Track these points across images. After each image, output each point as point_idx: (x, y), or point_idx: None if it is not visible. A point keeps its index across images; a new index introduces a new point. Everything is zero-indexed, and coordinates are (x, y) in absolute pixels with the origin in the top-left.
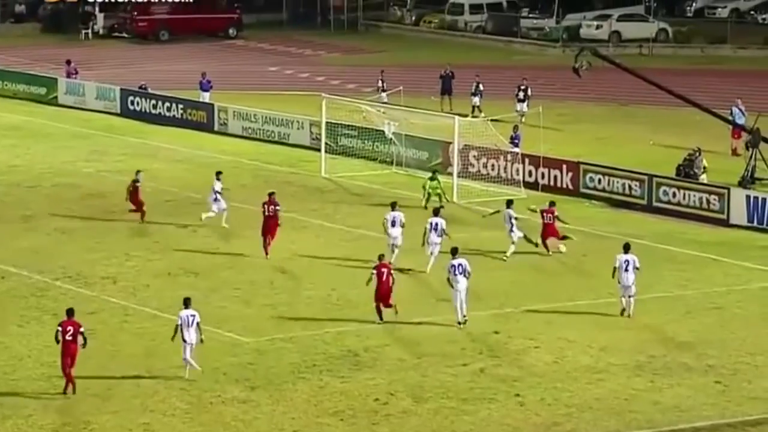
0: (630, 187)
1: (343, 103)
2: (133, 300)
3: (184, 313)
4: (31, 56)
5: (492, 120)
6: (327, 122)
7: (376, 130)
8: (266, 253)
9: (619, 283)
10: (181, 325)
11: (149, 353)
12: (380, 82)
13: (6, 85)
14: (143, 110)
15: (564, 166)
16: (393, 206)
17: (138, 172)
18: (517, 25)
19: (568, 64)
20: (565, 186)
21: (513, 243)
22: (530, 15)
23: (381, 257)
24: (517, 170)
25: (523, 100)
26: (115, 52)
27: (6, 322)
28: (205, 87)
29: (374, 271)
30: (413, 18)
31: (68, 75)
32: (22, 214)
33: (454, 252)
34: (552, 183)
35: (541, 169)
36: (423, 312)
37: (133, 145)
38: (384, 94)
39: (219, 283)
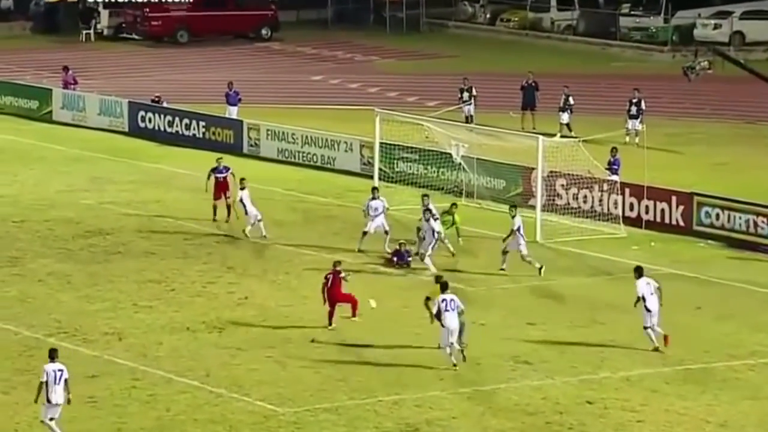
0: (755, 224)
1: (401, 119)
2: (143, 361)
3: (51, 367)
4: (20, 62)
5: (584, 141)
6: (381, 143)
7: (442, 153)
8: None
9: (648, 311)
10: (46, 381)
11: (162, 427)
12: (463, 92)
13: None
14: (156, 128)
15: (674, 198)
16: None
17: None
18: (616, 25)
19: (677, 72)
20: (674, 222)
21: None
22: (632, 12)
23: (336, 264)
24: (616, 203)
25: (636, 116)
26: (122, 57)
27: None
28: (232, 100)
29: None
30: (488, 15)
31: (65, 85)
32: (8, 255)
33: (444, 287)
34: (659, 218)
35: (645, 202)
36: (498, 376)
37: (143, 170)
38: (469, 108)
39: (248, 340)
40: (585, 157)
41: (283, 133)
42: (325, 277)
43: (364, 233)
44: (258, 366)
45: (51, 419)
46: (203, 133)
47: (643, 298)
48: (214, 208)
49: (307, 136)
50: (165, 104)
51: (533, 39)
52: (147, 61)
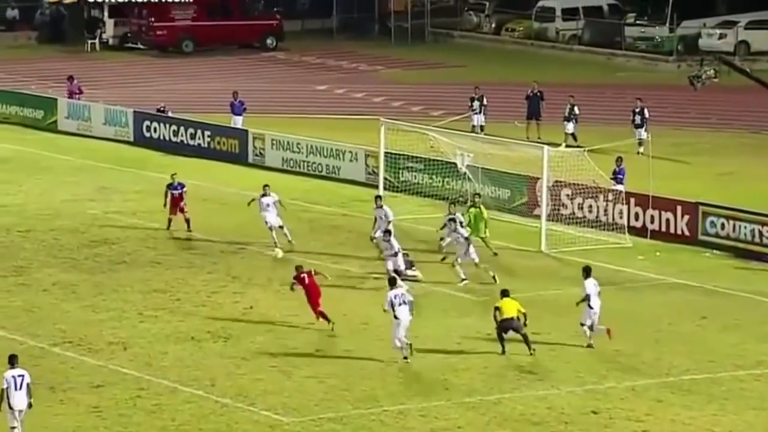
0: (761, 234)
1: (405, 129)
2: (149, 370)
3: (11, 373)
4: (25, 72)
5: (589, 150)
6: (386, 153)
7: (447, 163)
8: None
9: (591, 308)
10: (7, 388)
11: None
12: (474, 101)
13: None
14: (161, 138)
15: (679, 208)
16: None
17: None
18: (621, 35)
19: (683, 82)
20: (680, 232)
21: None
22: (637, 22)
23: (298, 268)
24: (621, 213)
25: (641, 125)
26: (127, 66)
27: None
28: (237, 110)
29: (295, 281)
30: (493, 25)
31: (71, 95)
32: (13, 265)
33: (393, 282)
34: (664, 228)
35: (650, 212)
36: (503, 387)
37: (148, 180)
38: (479, 118)
39: (253, 349)
40: (590, 166)
41: (288, 142)
42: (299, 280)
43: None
44: (263, 375)
45: (12, 427)
46: (208, 143)
47: (588, 297)
48: (169, 220)
49: (312, 146)
50: (170, 114)
51: (538, 49)
52: (152, 70)
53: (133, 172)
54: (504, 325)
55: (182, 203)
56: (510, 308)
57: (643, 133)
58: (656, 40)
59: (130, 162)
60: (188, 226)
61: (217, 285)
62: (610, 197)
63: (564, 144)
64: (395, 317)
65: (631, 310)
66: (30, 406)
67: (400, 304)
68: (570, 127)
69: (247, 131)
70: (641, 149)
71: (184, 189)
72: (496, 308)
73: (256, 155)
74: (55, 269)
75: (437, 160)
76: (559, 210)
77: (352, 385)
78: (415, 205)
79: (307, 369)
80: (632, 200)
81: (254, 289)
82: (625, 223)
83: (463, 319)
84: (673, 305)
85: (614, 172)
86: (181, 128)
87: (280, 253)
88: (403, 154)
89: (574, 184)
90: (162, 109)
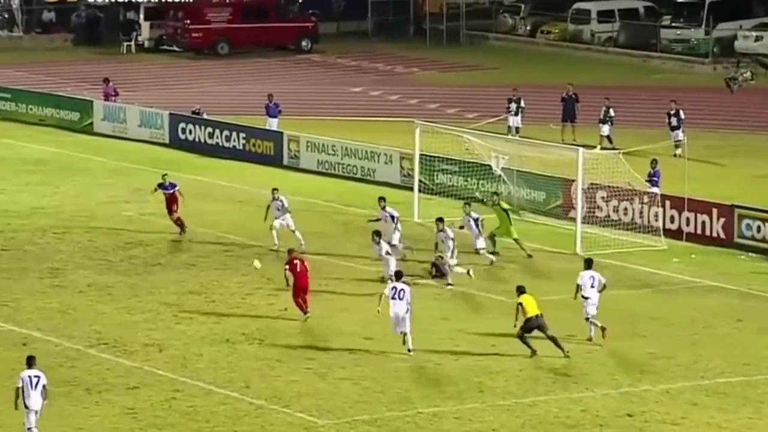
0: None
1: (441, 131)
2: (183, 372)
3: (27, 373)
4: (61, 74)
5: (625, 153)
6: (421, 155)
7: (482, 165)
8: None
9: (585, 299)
10: (22, 387)
11: None
12: (511, 102)
13: (30, 109)
14: (197, 140)
15: (714, 211)
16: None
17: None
18: (657, 37)
19: (719, 84)
20: (715, 234)
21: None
22: (673, 24)
23: (291, 251)
24: (656, 215)
25: (677, 127)
26: (163, 69)
27: None
28: (272, 112)
29: (287, 267)
30: (528, 28)
31: (106, 97)
32: (49, 267)
33: (399, 275)
34: (699, 231)
35: (685, 214)
36: (537, 389)
37: (184, 182)
38: (515, 119)
39: (288, 351)
40: (625, 169)
41: (323, 144)
42: (291, 266)
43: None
44: (297, 377)
45: (28, 428)
46: (243, 145)
47: (582, 287)
48: (177, 222)
49: (347, 148)
50: (205, 116)
51: (573, 51)
52: (187, 73)
53: (168, 174)
54: (529, 325)
55: (175, 205)
56: (533, 305)
57: (680, 135)
58: (692, 42)
59: (165, 164)
60: (182, 228)
61: (252, 287)
62: (646, 200)
63: (599, 146)
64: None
65: (666, 312)
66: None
67: (394, 297)
68: (605, 129)
69: (282, 133)
70: (678, 151)
71: (177, 188)
72: (520, 305)
73: (291, 157)
74: (91, 271)
75: (472, 163)
76: (594, 212)
77: (387, 387)
78: (450, 207)
79: (341, 371)
80: (668, 203)
81: (289, 291)
82: (661, 226)
83: (497, 321)
84: (708, 308)
85: (649, 175)
86: (217, 130)
87: (258, 264)
88: (438, 157)
89: (609, 186)
90: (197, 111)
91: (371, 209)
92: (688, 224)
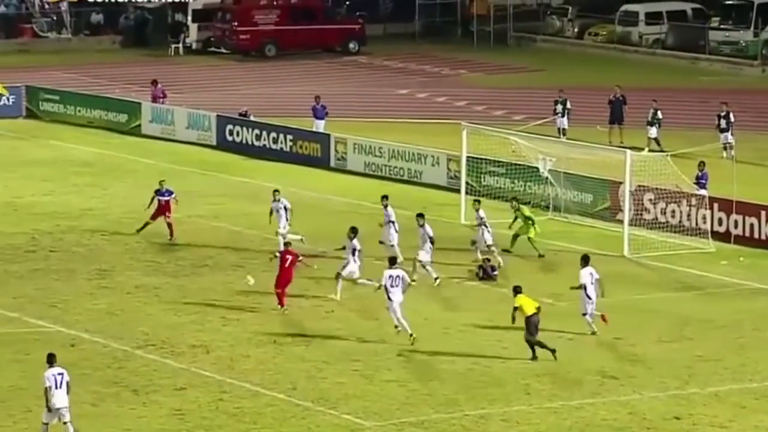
0: None
1: (488, 133)
2: (230, 373)
3: (51, 372)
4: (109, 76)
5: (672, 155)
6: (468, 157)
7: (529, 167)
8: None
9: (589, 299)
10: (49, 387)
11: None
12: (558, 104)
13: (79, 111)
14: (244, 142)
15: (763, 213)
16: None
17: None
18: (705, 39)
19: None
20: (764, 237)
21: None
22: (721, 26)
23: (287, 244)
24: (704, 218)
25: (726, 129)
26: (210, 70)
27: (77, 400)
28: (319, 114)
29: (278, 254)
30: (576, 29)
31: (154, 99)
32: (97, 268)
33: (392, 262)
34: (747, 233)
35: (733, 216)
36: (586, 391)
37: (231, 184)
38: (563, 121)
39: (335, 353)
40: (673, 171)
41: (370, 146)
42: (282, 257)
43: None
44: (344, 379)
45: (63, 423)
46: (290, 147)
47: (585, 287)
48: (146, 224)
49: (393, 150)
50: (252, 118)
51: (621, 53)
52: (235, 74)
53: (215, 176)
54: (530, 324)
55: (168, 212)
56: (530, 304)
57: (729, 137)
58: (740, 45)
59: (212, 166)
60: (171, 234)
61: (299, 289)
62: (693, 202)
63: (647, 148)
64: (389, 298)
65: (714, 315)
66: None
67: (393, 286)
68: (653, 131)
69: (329, 135)
70: (725, 154)
71: (173, 196)
72: (516, 308)
73: (338, 159)
74: (138, 272)
75: (519, 165)
76: (641, 215)
77: (434, 389)
78: (497, 209)
79: (388, 373)
80: (716, 205)
81: (335, 293)
82: (709, 228)
83: (545, 323)
84: (756, 311)
85: (697, 177)
86: (264, 132)
87: (251, 281)
88: (485, 159)
89: (656, 188)
90: (244, 113)
91: (418, 211)
92: (736, 227)
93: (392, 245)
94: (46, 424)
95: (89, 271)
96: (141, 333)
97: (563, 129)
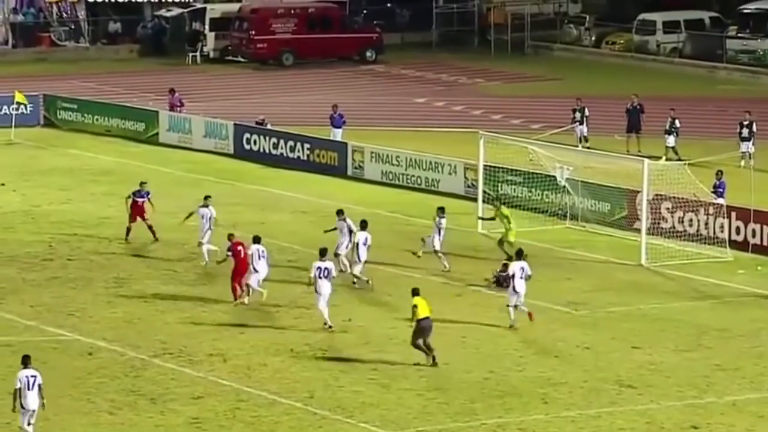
0: None
1: (505, 142)
2: (248, 382)
3: (24, 373)
4: (127, 84)
5: (690, 164)
6: (485, 166)
7: (546, 176)
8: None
9: (515, 292)
10: (20, 388)
11: None
12: (576, 112)
13: (97, 119)
14: (261, 150)
15: None
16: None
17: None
18: (723, 48)
19: None
20: None
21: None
22: (739, 35)
23: (230, 236)
24: (722, 226)
25: (747, 138)
26: (228, 79)
27: (95, 408)
28: (337, 122)
29: (229, 252)
30: (593, 38)
31: (172, 107)
32: (115, 277)
33: (323, 253)
34: (765, 242)
35: (751, 225)
36: (602, 401)
37: (248, 192)
38: (582, 129)
39: (352, 361)
40: (690, 180)
41: (387, 155)
42: (234, 250)
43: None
44: (361, 388)
45: (28, 424)
46: (308, 156)
47: (513, 277)
48: (128, 229)
49: (411, 159)
50: (269, 126)
51: (639, 62)
52: (252, 83)
53: (232, 185)
54: (421, 327)
55: (145, 213)
56: (425, 307)
57: (750, 147)
58: (758, 53)
59: (229, 174)
60: (154, 235)
61: (311, 299)
62: (711, 211)
63: (664, 157)
64: (316, 291)
65: (731, 324)
66: (43, 407)
67: (321, 277)
68: (671, 140)
69: (346, 144)
70: (743, 162)
71: (150, 196)
72: (415, 306)
73: (356, 168)
74: (156, 281)
75: (537, 173)
76: (659, 224)
77: (451, 398)
78: (515, 218)
79: (405, 381)
80: (734, 214)
81: (352, 302)
82: (726, 237)
83: (561, 332)
84: None
85: (714, 186)
86: (281, 141)
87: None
88: (503, 167)
89: (674, 197)
90: (262, 121)
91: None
92: (754, 236)
93: (436, 251)
94: (29, 423)
95: (107, 280)
96: (158, 341)
97: (584, 137)
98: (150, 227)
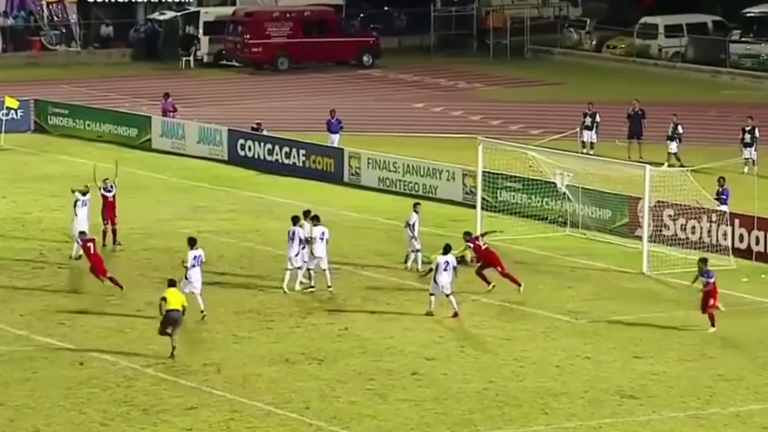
0: None
1: (504, 148)
2: (242, 393)
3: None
4: (119, 89)
5: (693, 170)
6: (484, 172)
7: (546, 183)
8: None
9: (436, 283)
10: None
11: None
12: (586, 117)
13: (88, 125)
14: (256, 156)
15: None
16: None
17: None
18: (726, 52)
19: None
20: None
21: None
22: (742, 39)
23: (82, 233)
24: (725, 234)
25: (750, 144)
26: (222, 84)
27: (86, 419)
28: (333, 128)
29: (81, 243)
30: (594, 42)
31: (164, 113)
32: (106, 286)
33: (192, 243)
34: None
35: (755, 233)
36: (603, 411)
37: (243, 199)
38: (591, 134)
39: (348, 372)
40: (693, 187)
41: (385, 161)
42: (84, 246)
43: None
44: (358, 398)
45: None
46: (303, 162)
47: (436, 269)
48: (104, 233)
49: (408, 165)
50: (265, 132)
51: (640, 66)
52: (247, 88)
53: (227, 191)
54: (169, 317)
55: (113, 212)
56: (176, 299)
57: (753, 153)
58: (762, 58)
59: (224, 181)
60: (115, 239)
61: (312, 306)
62: (714, 218)
63: (666, 164)
64: (186, 277)
65: (735, 333)
66: None
67: (194, 265)
68: (673, 146)
69: (342, 150)
70: (746, 169)
71: (115, 191)
72: (163, 298)
73: (352, 174)
74: (148, 289)
75: (536, 180)
76: (661, 231)
77: (449, 408)
78: (513, 225)
79: (403, 392)
80: (737, 221)
81: (349, 311)
82: (730, 245)
83: (561, 342)
84: None
85: (718, 193)
86: (276, 147)
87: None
88: (502, 174)
89: (676, 204)
90: (257, 127)
91: (433, 227)
92: (757, 243)
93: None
94: None
95: (98, 288)
96: (151, 351)
97: (591, 143)
98: (114, 231)
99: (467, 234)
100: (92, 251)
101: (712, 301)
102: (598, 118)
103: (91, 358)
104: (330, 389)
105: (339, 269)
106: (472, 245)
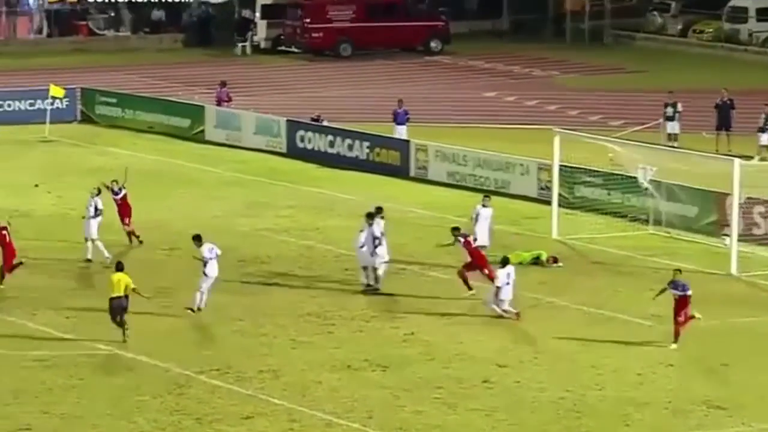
0: None
1: (582, 140)
2: (301, 401)
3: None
4: (170, 77)
5: None
6: (561, 166)
7: (627, 177)
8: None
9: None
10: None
11: None
12: (667, 107)
13: (138, 115)
14: (316, 149)
15: None
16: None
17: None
18: None
19: None
20: None
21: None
22: None
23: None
24: None
25: None
26: (280, 71)
27: (136, 429)
28: (400, 119)
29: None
30: (679, 27)
31: (219, 102)
32: (158, 286)
33: (198, 239)
34: None
35: None
36: (689, 423)
37: (302, 194)
38: (673, 125)
39: (415, 379)
40: None
41: (453, 154)
42: (2, 236)
43: None
44: (425, 408)
45: None
46: (367, 155)
47: (501, 288)
48: (128, 235)
49: (479, 158)
50: (326, 123)
51: (729, 52)
52: (307, 76)
53: (285, 186)
54: (111, 305)
55: (130, 210)
56: (119, 286)
57: None
58: None
59: (282, 175)
60: (131, 240)
61: (376, 309)
62: None
63: (757, 157)
64: (205, 273)
65: None
66: None
67: (211, 259)
68: (764, 138)
69: (408, 142)
70: None
71: (125, 192)
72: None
73: (419, 168)
74: None
75: (617, 175)
76: (751, 230)
77: (523, 419)
78: (591, 223)
79: (473, 401)
80: None
81: (416, 314)
82: None
83: (643, 348)
84: None
85: None
86: (338, 138)
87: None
88: (580, 168)
89: None
90: (317, 117)
91: (506, 225)
92: None
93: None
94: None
95: (148, 289)
96: (203, 357)
97: (674, 134)
98: (128, 233)
99: (455, 229)
100: (7, 241)
101: (683, 315)
102: (680, 108)
103: (141, 363)
104: (395, 398)
105: (404, 269)
106: (462, 240)
